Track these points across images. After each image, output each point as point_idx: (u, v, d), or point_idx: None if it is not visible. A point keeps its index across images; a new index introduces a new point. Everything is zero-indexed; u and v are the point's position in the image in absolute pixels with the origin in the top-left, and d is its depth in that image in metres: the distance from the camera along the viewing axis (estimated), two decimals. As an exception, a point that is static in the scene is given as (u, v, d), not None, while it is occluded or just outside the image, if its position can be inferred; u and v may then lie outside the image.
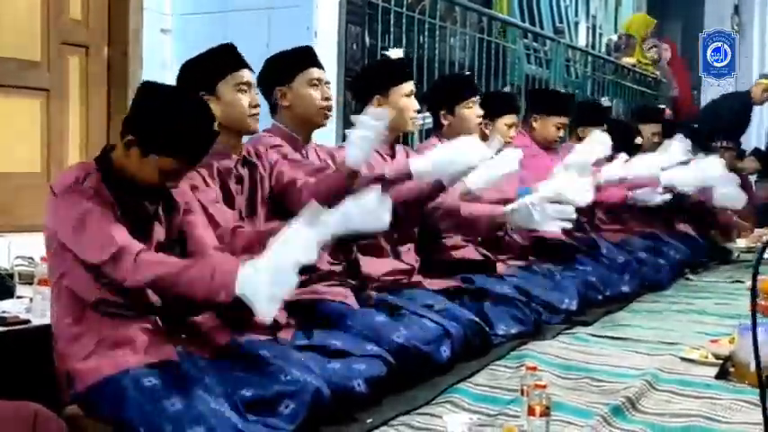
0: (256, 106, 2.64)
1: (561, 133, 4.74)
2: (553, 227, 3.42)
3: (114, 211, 2.11)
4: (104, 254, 2.03)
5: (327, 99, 3.00)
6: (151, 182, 2.15)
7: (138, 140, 2.11)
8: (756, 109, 10.64)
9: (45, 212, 2.14)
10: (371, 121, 2.54)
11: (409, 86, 3.35)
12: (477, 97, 3.90)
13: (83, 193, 2.07)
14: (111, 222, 2.07)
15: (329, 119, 3.05)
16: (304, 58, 3.00)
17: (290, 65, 2.96)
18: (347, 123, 4.08)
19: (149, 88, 2.17)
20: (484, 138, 4.06)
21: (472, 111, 3.83)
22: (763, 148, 8.40)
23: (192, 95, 2.26)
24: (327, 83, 3.05)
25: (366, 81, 3.46)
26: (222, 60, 2.62)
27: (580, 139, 4.96)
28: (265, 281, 1.96)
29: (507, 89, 5.76)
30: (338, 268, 2.98)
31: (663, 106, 7.03)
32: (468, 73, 5.03)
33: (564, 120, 4.72)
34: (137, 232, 2.14)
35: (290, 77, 2.95)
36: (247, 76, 2.64)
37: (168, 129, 2.09)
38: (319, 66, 3.02)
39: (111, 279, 2.06)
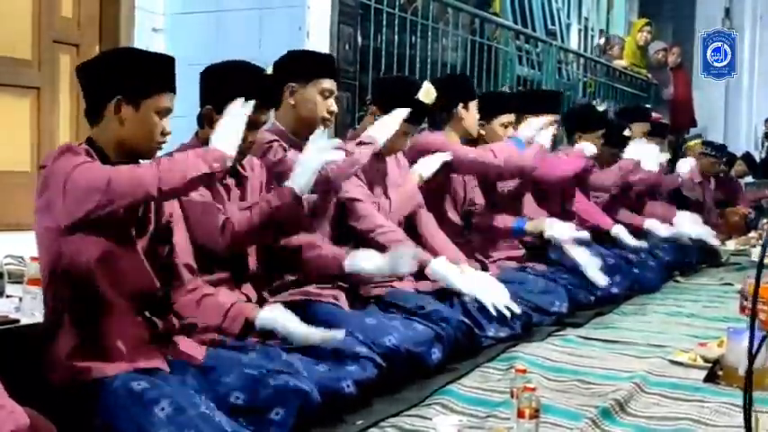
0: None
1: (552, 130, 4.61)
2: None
3: None
4: (140, 191, 1.99)
5: (331, 113, 3.02)
6: (149, 133, 2.12)
7: (124, 95, 2.09)
8: (744, 110, 10.72)
9: (36, 195, 2.07)
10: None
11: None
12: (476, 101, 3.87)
13: (81, 153, 2.06)
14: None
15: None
16: (324, 66, 3.03)
17: (310, 68, 2.99)
18: (336, 123, 4.08)
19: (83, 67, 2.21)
20: (479, 140, 4.07)
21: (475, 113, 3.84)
22: (753, 150, 8.44)
23: None
24: (336, 96, 3.06)
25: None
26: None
27: (572, 144, 4.98)
28: None
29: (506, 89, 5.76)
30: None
31: (648, 106, 7.05)
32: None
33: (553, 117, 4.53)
34: (134, 222, 2.13)
35: (305, 79, 2.97)
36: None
37: (139, 63, 2.12)
38: (335, 78, 3.05)
39: (144, 195, 2.01)
